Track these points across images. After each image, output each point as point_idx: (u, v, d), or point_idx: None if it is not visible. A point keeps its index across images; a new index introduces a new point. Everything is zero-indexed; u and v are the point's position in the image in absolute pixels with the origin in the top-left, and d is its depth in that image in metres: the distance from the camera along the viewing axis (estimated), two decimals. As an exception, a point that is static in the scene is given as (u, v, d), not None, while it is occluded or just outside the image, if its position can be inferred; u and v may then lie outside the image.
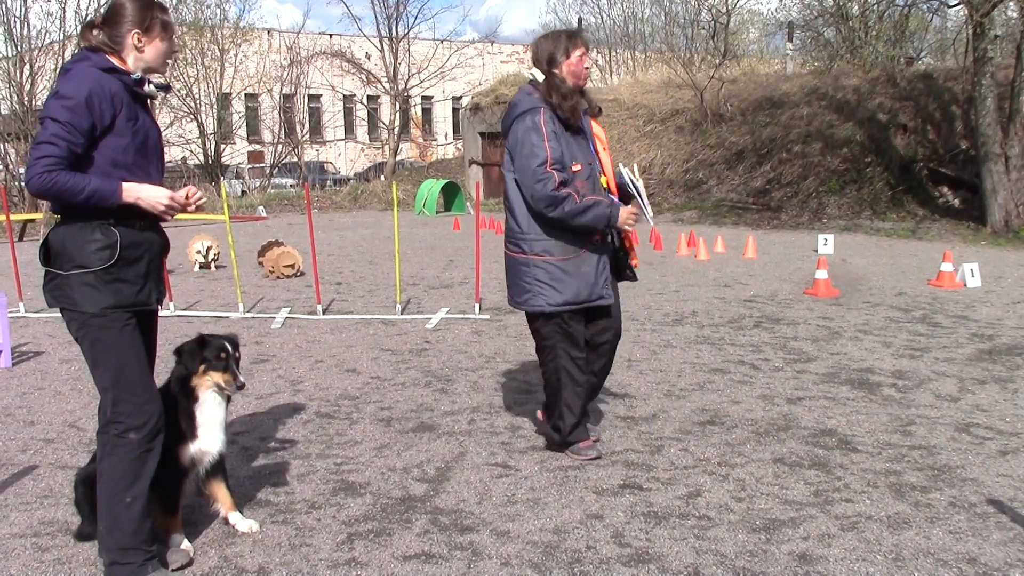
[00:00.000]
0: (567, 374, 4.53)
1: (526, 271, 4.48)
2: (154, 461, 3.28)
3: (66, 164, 3.05)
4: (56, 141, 3.03)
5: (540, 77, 4.49)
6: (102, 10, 3.39)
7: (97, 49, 3.23)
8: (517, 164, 4.40)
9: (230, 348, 3.58)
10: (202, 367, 3.53)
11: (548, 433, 4.76)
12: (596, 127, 4.66)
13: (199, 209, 3.48)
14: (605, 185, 4.56)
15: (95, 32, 3.26)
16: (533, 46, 4.66)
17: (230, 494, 3.79)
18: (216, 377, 3.54)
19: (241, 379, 3.57)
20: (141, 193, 3.18)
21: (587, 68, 4.54)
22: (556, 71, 4.45)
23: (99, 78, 3.14)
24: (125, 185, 3.15)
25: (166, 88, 3.46)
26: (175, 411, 3.52)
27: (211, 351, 3.54)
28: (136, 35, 3.23)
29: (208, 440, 3.58)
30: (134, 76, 3.23)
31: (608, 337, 4.68)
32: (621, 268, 4.74)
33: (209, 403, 3.57)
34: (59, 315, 3.31)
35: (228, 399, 3.69)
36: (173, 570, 3.37)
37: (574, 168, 4.38)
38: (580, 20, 27.90)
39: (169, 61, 3.41)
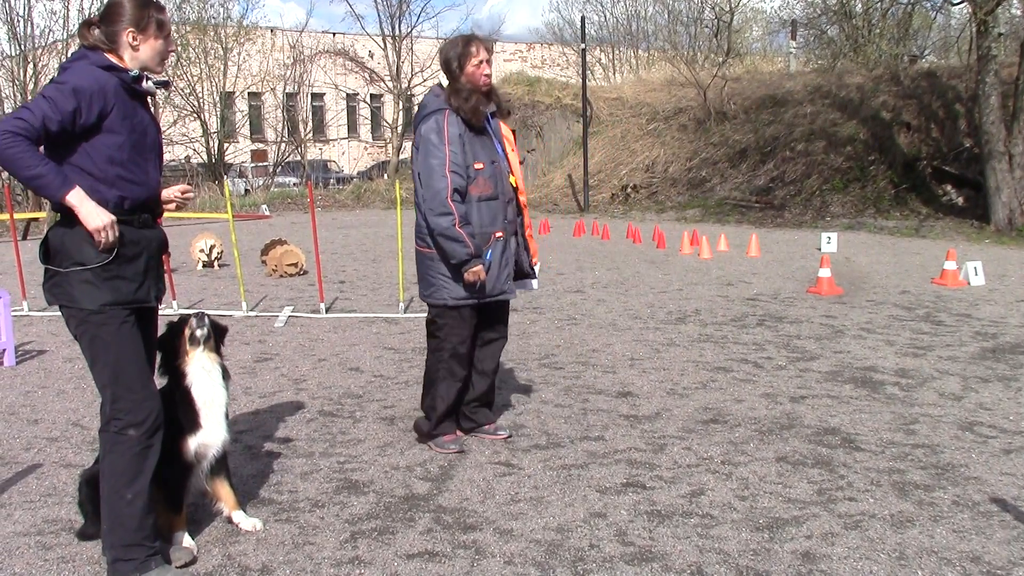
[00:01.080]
0: (447, 368, 4.70)
1: (432, 265, 4.62)
2: (154, 457, 3.29)
3: (34, 134, 3.01)
4: (34, 109, 3.03)
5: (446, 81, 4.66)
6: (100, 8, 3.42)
7: (95, 47, 3.25)
8: (420, 162, 4.54)
9: (187, 316, 3.65)
10: (174, 341, 3.60)
11: (418, 423, 4.89)
12: (505, 128, 4.78)
13: (180, 207, 3.53)
14: (514, 184, 4.70)
15: (93, 30, 3.28)
16: (439, 51, 4.83)
17: (233, 492, 3.80)
18: (183, 340, 3.58)
19: (196, 319, 3.60)
20: (83, 207, 3.11)
21: (487, 75, 4.57)
22: (459, 78, 4.57)
23: (95, 74, 3.15)
24: (76, 190, 3.09)
25: (166, 84, 3.48)
26: (175, 405, 3.54)
27: (172, 327, 3.63)
28: (131, 33, 3.25)
29: (211, 432, 3.59)
30: (131, 73, 3.24)
31: (495, 336, 4.87)
32: (522, 268, 4.87)
33: (201, 379, 3.58)
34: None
35: (224, 377, 3.67)
36: (177, 568, 3.38)
37: (476, 166, 4.53)
38: (583, 19, 27.82)
39: (166, 60, 3.41)
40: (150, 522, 3.29)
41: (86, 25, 3.31)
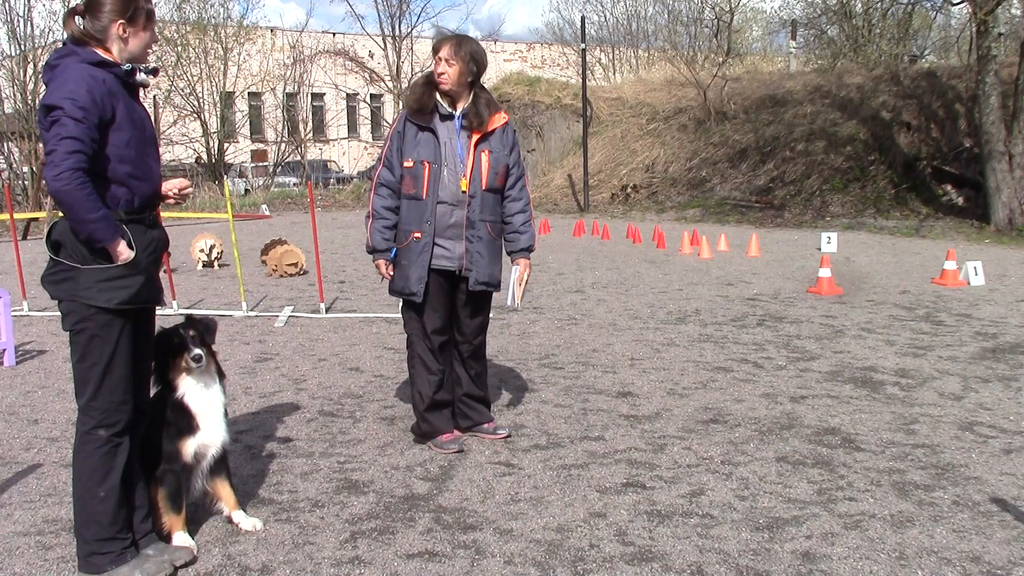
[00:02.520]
0: (419, 361, 4.76)
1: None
2: (124, 454, 3.28)
3: (89, 165, 3.01)
4: (82, 137, 2.97)
5: None
6: None
7: (81, 41, 3.15)
8: None
9: (182, 332, 3.58)
10: (168, 360, 3.55)
11: (415, 427, 4.91)
12: (498, 119, 4.68)
13: (178, 203, 3.54)
14: (465, 188, 4.59)
15: (77, 20, 3.17)
16: None
17: (233, 492, 3.80)
18: (179, 362, 3.55)
19: (194, 352, 3.53)
20: (123, 254, 3.16)
21: (439, 73, 4.56)
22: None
23: (92, 73, 3.07)
24: (123, 241, 3.14)
25: (155, 71, 3.39)
26: (172, 410, 3.53)
27: (167, 342, 3.56)
28: (121, 25, 3.17)
29: (209, 432, 3.59)
30: (124, 67, 3.17)
31: (460, 340, 4.89)
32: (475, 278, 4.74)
33: (194, 389, 3.57)
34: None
35: (220, 380, 3.68)
36: (177, 568, 3.38)
37: (405, 164, 4.59)
38: (583, 19, 27.81)
39: (150, 51, 3.34)
40: (123, 515, 3.29)
41: (71, 14, 3.20)
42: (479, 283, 4.69)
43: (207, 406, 3.60)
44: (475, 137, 4.62)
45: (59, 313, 3.29)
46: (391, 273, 4.72)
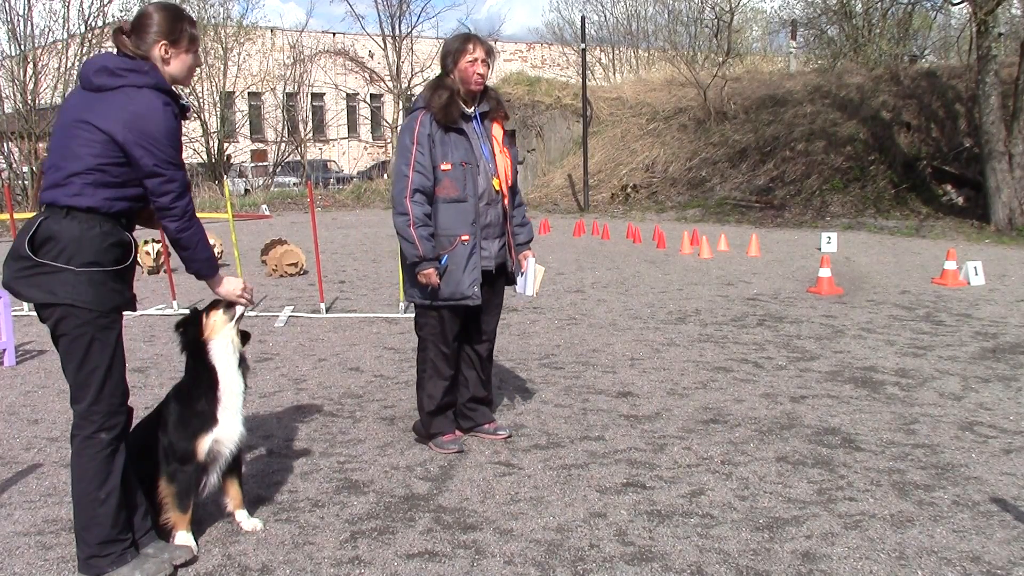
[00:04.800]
0: (432, 367, 4.71)
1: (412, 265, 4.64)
2: (122, 457, 3.27)
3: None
4: (186, 181, 3.23)
5: None
6: (126, 15, 3.41)
7: (153, 66, 3.22)
8: (393, 161, 4.65)
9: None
10: (205, 315, 3.54)
11: (417, 427, 4.91)
12: (497, 129, 4.70)
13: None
14: (498, 188, 4.63)
15: (130, 39, 3.21)
16: (442, 45, 4.82)
17: (241, 491, 3.79)
18: (218, 312, 3.53)
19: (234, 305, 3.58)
20: (226, 286, 3.46)
21: (479, 74, 4.51)
22: (451, 73, 4.55)
23: (169, 112, 3.17)
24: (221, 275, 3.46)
25: (186, 110, 3.43)
26: (194, 400, 3.52)
27: (200, 312, 3.57)
28: (164, 46, 3.21)
29: (226, 427, 3.54)
30: (183, 103, 3.28)
31: (481, 339, 4.86)
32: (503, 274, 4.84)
33: (227, 357, 3.53)
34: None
35: (242, 364, 3.64)
36: (176, 567, 3.38)
37: (443, 167, 4.49)
38: (583, 19, 27.80)
39: (194, 74, 3.40)
40: (123, 516, 3.29)
41: (119, 32, 3.23)
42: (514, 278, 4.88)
43: (229, 388, 3.53)
44: (495, 136, 4.68)
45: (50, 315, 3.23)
46: (437, 281, 4.53)
